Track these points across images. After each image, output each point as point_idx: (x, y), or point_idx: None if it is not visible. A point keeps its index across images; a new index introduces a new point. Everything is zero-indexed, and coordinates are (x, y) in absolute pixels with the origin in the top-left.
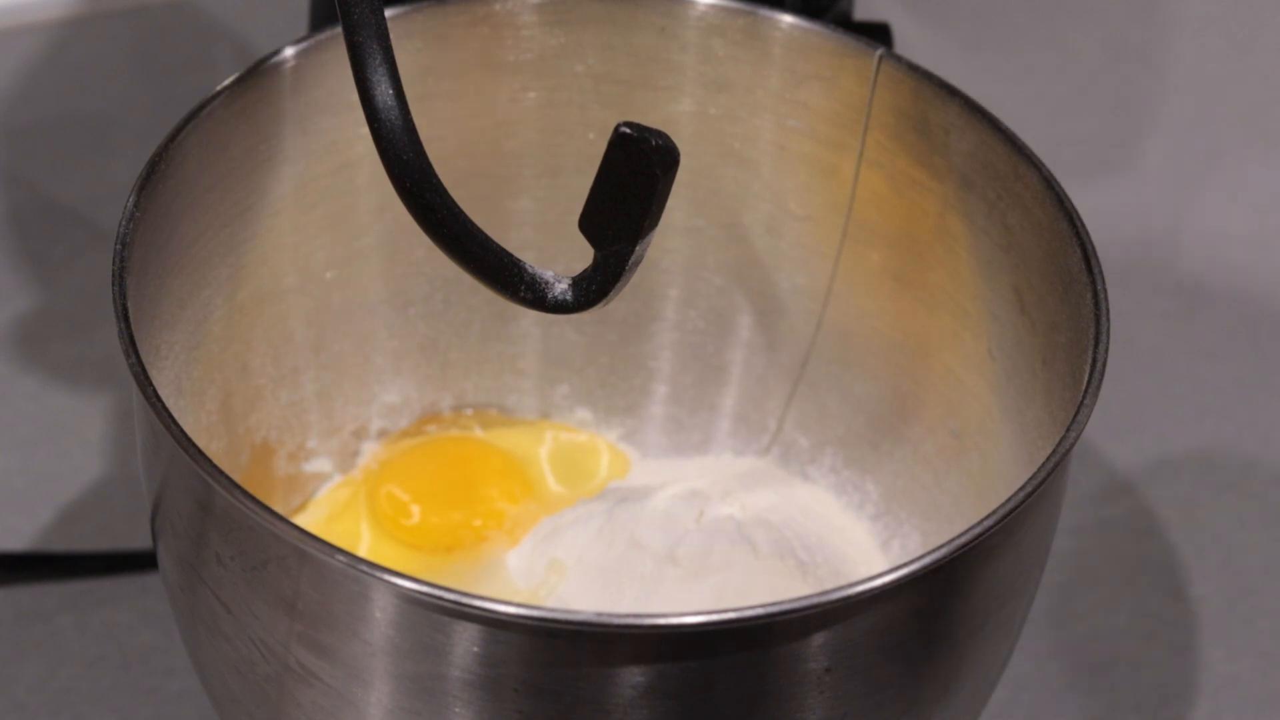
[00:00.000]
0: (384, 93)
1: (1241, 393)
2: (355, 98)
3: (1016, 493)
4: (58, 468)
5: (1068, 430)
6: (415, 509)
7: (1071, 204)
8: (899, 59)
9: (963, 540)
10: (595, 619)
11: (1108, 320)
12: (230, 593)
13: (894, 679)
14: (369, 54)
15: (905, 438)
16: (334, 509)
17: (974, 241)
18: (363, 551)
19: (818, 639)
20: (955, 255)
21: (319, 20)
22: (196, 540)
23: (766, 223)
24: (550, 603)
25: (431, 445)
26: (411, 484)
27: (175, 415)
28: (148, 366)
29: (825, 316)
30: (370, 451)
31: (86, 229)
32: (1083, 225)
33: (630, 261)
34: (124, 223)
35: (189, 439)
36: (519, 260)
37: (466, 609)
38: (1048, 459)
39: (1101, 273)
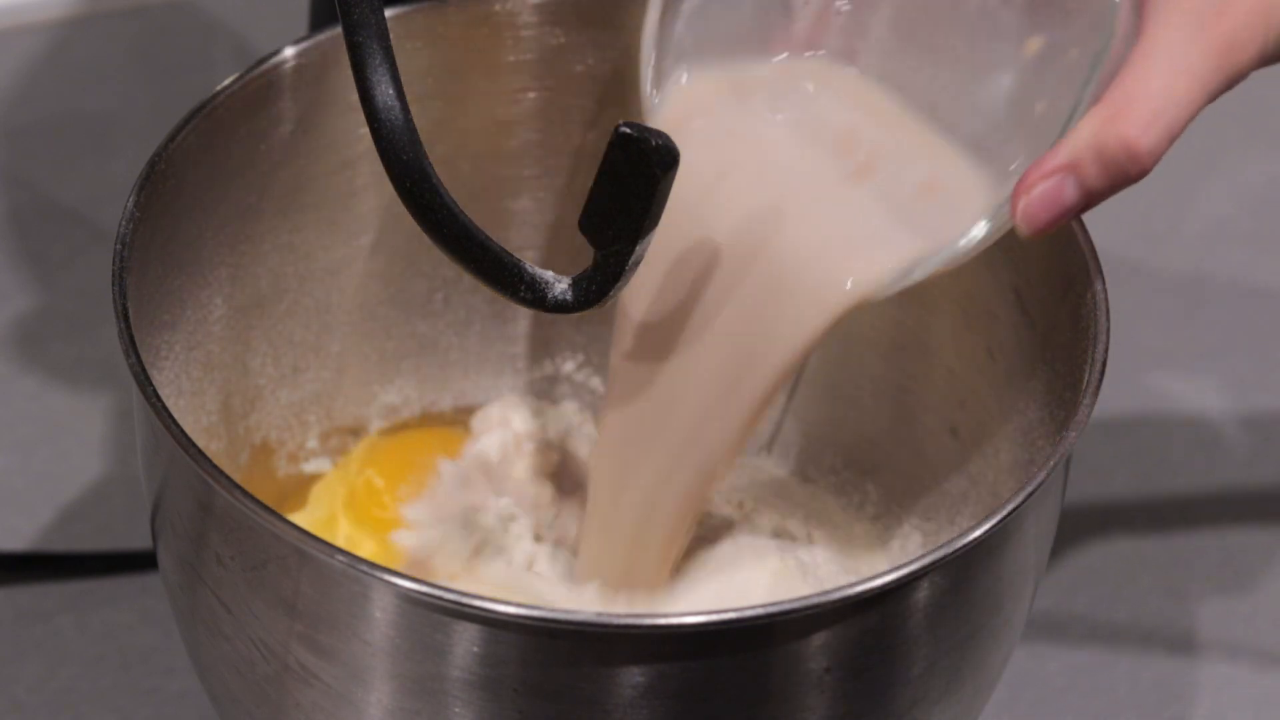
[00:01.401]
0: (384, 93)
1: (1241, 392)
2: (355, 98)
3: (1016, 493)
4: (58, 468)
5: (1068, 430)
6: (389, 498)
7: None
8: None
9: (963, 540)
10: (595, 619)
11: (1108, 320)
12: (230, 593)
13: (894, 679)
14: (369, 54)
15: (905, 438)
16: (318, 500)
17: None
18: (340, 539)
19: (818, 639)
20: None
21: (319, 20)
22: (196, 540)
23: None
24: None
25: (414, 436)
26: (389, 472)
27: (175, 415)
28: (148, 366)
29: None
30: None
31: (86, 229)
32: (1083, 225)
33: (630, 261)
34: (124, 223)
35: (189, 439)
36: (519, 260)
37: (466, 609)
38: (1048, 459)
39: (1101, 273)
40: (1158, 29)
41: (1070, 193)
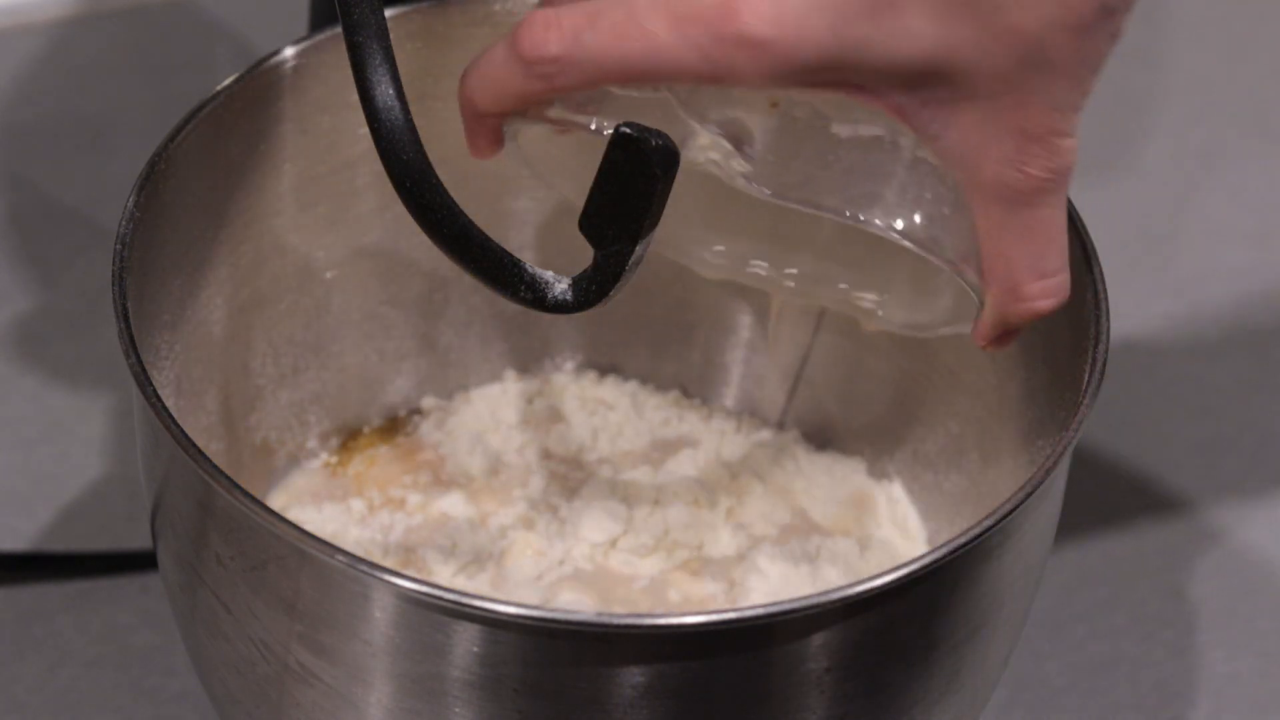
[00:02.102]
0: (384, 93)
1: (1241, 393)
2: (355, 98)
3: (1016, 493)
4: (58, 468)
5: (1068, 430)
6: None
7: (1071, 204)
8: None
9: (963, 540)
10: (595, 619)
11: (1108, 320)
12: (230, 593)
13: (894, 679)
14: (369, 54)
15: (905, 438)
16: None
17: None
18: None
19: (818, 639)
20: None
21: (319, 20)
22: (196, 540)
23: None
24: None
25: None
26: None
27: (175, 415)
28: (148, 366)
29: (825, 316)
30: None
31: (86, 229)
32: (1083, 225)
33: (630, 261)
34: (124, 223)
35: (189, 439)
36: (519, 260)
37: (466, 609)
38: (1048, 459)
39: (1101, 273)
40: (981, 214)
41: (1011, 340)
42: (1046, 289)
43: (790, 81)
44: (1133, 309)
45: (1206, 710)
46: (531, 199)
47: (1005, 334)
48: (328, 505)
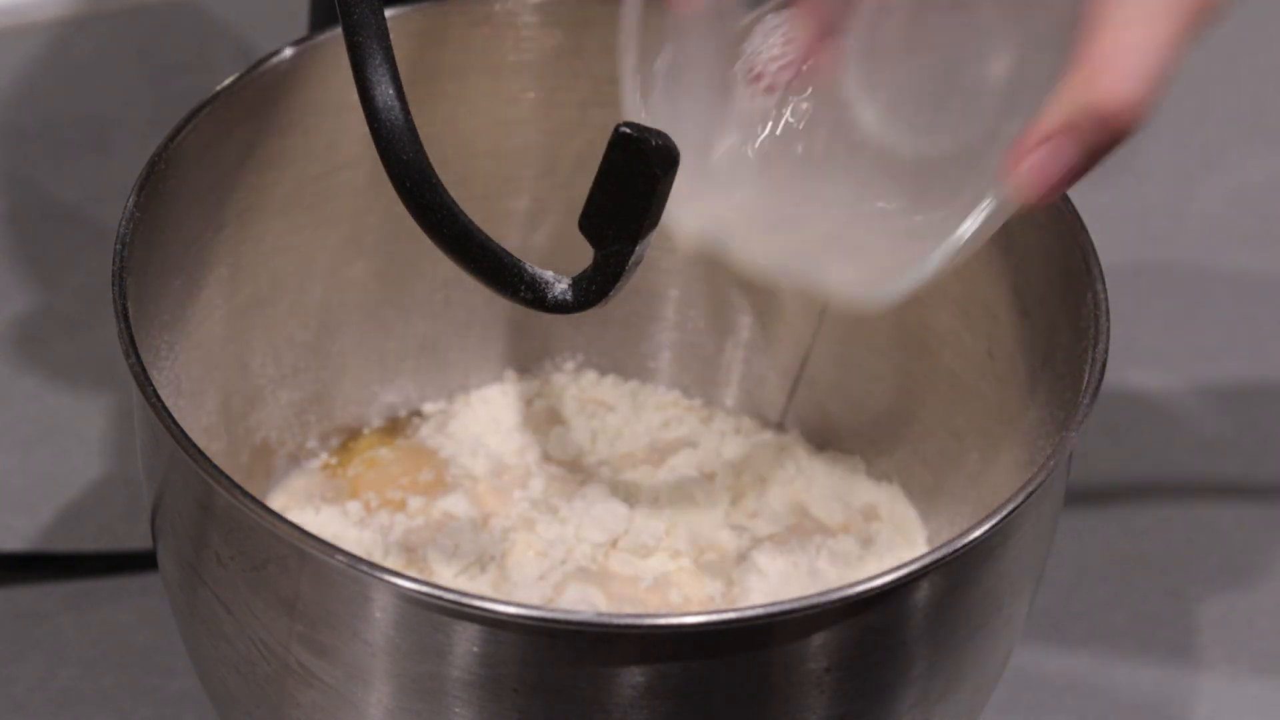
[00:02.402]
0: (384, 93)
1: (1242, 392)
2: (355, 98)
3: (1016, 493)
4: (58, 468)
5: (1068, 430)
6: None
7: (1071, 204)
8: None
9: (963, 540)
10: (595, 619)
11: (1108, 320)
12: (230, 593)
13: (894, 679)
14: (369, 54)
15: (905, 438)
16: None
17: None
18: None
19: (818, 639)
20: None
21: (319, 20)
22: (196, 540)
23: None
24: None
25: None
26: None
27: (175, 415)
28: (148, 366)
29: (825, 316)
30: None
31: (86, 229)
32: (1083, 225)
33: (630, 261)
34: (124, 223)
35: (189, 439)
36: (519, 260)
37: (466, 609)
38: (1048, 459)
39: (1101, 273)
40: None
41: (1066, 156)
42: (1138, 79)
43: None
44: (1133, 309)
45: (1206, 710)
46: (532, 199)
47: (1061, 140)
48: (327, 506)
